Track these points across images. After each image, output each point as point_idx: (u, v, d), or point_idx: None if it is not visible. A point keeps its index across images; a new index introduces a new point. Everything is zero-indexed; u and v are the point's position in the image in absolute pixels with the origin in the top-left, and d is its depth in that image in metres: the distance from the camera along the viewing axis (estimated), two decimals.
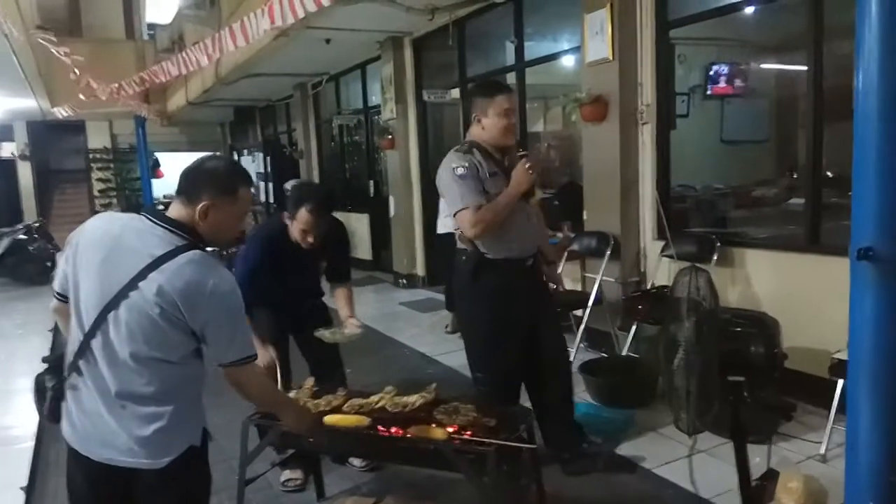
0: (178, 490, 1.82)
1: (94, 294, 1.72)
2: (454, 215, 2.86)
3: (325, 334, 3.07)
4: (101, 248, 1.74)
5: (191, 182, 1.81)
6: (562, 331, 3.32)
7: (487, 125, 2.88)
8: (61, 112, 10.61)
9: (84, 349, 1.74)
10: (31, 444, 3.85)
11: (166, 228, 1.74)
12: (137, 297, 1.67)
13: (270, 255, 3.05)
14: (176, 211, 1.79)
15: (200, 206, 1.76)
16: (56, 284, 1.86)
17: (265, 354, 2.89)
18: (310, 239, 2.96)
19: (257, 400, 2.04)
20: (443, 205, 5.54)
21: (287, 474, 3.18)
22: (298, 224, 2.94)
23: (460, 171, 2.81)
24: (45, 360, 1.92)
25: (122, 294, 1.68)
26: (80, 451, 1.79)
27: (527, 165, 2.85)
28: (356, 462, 3.27)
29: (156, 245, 1.71)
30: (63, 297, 1.83)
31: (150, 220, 1.77)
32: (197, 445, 1.84)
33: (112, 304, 1.69)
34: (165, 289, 1.66)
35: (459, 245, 3.01)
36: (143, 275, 1.67)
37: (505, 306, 2.93)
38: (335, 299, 3.29)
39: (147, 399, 1.74)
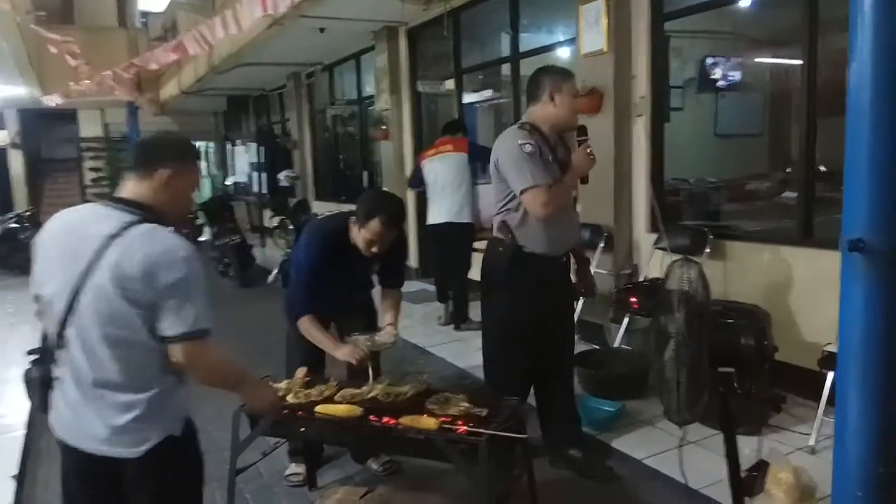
0: (158, 481, 1.80)
1: (60, 286, 1.73)
2: (521, 193, 2.76)
3: (358, 340, 2.93)
4: (61, 240, 1.76)
5: (148, 153, 1.82)
6: (574, 330, 3.31)
7: (561, 102, 2.83)
8: (50, 101, 10.53)
9: (60, 341, 1.76)
10: (22, 432, 3.84)
11: (118, 208, 1.76)
12: (97, 279, 1.68)
13: (328, 250, 2.94)
14: (128, 190, 1.80)
15: (162, 173, 1.77)
16: (32, 288, 1.86)
17: (348, 351, 2.84)
18: (374, 249, 2.84)
19: (211, 379, 1.88)
20: (435, 195, 5.57)
21: (292, 468, 3.18)
22: (367, 233, 2.80)
23: (528, 147, 2.74)
24: (30, 352, 1.92)
25: (84, 279, 1.69)
26: (67, 442, 1.80)
27: (588, 150, 2.82)
28: (374, 465, 3.23)
29: (109, 225, 1.71)
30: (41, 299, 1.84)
31: (104, 204, 1.79)
32: (177, 435, 1.81)
33: (77, 292, 1.70)
34: (121, 264, 1.66)
35: (496, 234, 2.94)
36: (98, 256, 1.68)
37: (535, 301, 2.88)
38: (381, 304, 3.18)
39: (123, 387, 1.74)
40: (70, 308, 1.71)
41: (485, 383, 3.18)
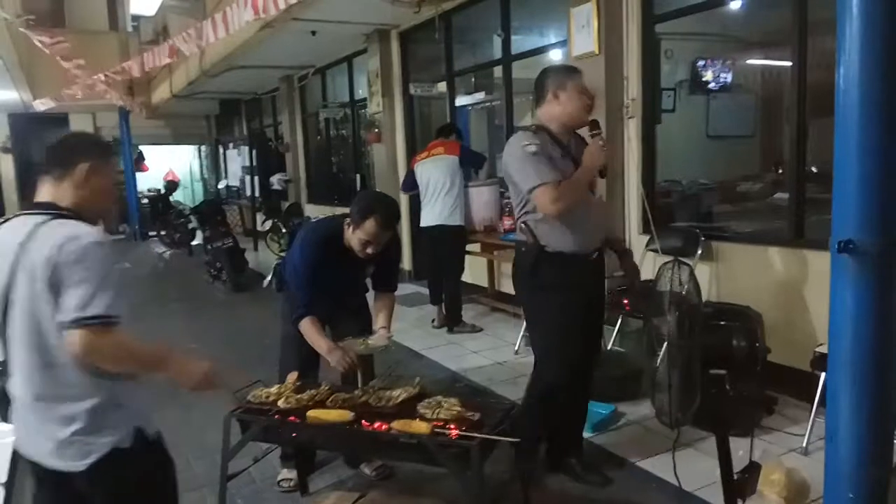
0: (107, 496, 1.75)
1: None
2: (529, 192, 2.74)
3: (351, 344, 2.93)
4: None
5: (66, 150, 1.78)
6: (602, 333, 3.27)
7: (565, 100, 2.80)
8: (41, 105, 10.48)
9: (6, 356, 1.75)
10: (11, 440, 3.79)
11: (30, 214, 1.72)
12: (19, 290, 1.65)
13: (323, 253, 2.94)
14: (45, 192, 1.76)
15: (82, 168, 1.74)
16: None
17: (338, 358, 2.85)
18: (369, 250, 2.85)
19: (120, 364, 1.70)
20: (427, 198, 5.57)
21: (284, 473, 3.15)
22: (362, 234, 2.80)
23: (532, 148, 2.72)
24: None
25: (8, 291, 1.67)
26: (27, 455, 1.80)
27: (601, 143, 2.77)
28: (367, 469, 3.20)
29: (22, 232, 1.68)
30: None
31: (23, 212, 1.76)
32: (125, 447, 1.73)
33: (6, 306, 1.68)
34: (33, 269, 1.63)
35: (519, 236, 2.92)
36: (14, 267, 1.65)
37: (565, 300, 2.81)
38: (375, 307, 3.17)
39: (60, 398, 1.70)
40: (4, 324, 1.69)
41: (524, 403, 3.02)
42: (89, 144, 1.82)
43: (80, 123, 15.74)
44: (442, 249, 5.62)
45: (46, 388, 1.70)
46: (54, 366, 1.68)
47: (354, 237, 2.84)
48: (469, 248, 5.89)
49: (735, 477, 2.16)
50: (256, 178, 12.15)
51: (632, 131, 4.61)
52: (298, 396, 2.59)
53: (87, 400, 1.70)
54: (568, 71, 2.91)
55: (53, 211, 1.71)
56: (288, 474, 3.14)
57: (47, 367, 1.68)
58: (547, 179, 2.69)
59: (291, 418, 2.49)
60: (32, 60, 10.48)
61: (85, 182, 1.75)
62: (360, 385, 2.72)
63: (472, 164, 5.73)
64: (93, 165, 1.75)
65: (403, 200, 7.72)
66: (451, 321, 5.65)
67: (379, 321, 3.08)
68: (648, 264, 4.46)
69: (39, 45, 8.23)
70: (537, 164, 2.71)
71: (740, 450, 2.27)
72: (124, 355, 1.69)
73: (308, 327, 2.91)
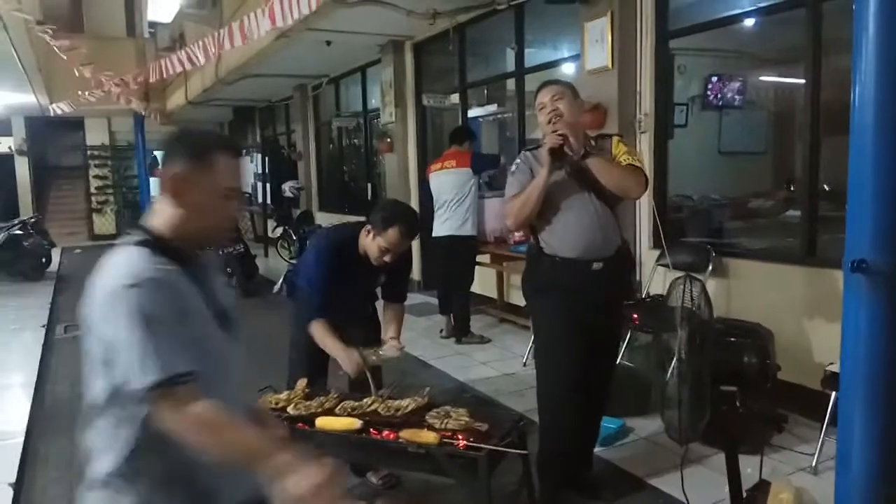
0: None
1: None
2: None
3: (363, 354, 2.91)
4: None
5: (165, 153, 1.39)
6: (617, 351, 3.27)
7: (539, 125, 2.86)
8: (58, 108, 10.60)
9: None
10: (20, 439, 3.83)
11: (127, 233, 1.38)
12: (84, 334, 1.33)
13: (337, 258, 2.95)
14: (153, 215, 1.39)
15: (174, 178, 1.32)
16: None
17: (351, 363, 2.85)
18: (387, 259, 2.87)
19: (207, 443, 1.26)
20: (439, 209, 5.59)
21: None
22: (383, 241, 2.82)
23: (513, 167, 2.84)
24: None
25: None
26: None
27: (547, 146, 2.65)
28: (373, 478, 3.17)
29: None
30: None
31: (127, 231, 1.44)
32: None
33: None
34: (86, 310, 1.29)
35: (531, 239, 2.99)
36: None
37: (563, 306, 2.77)
38: (385, 317, 3.19)
39: (99, 482, 1.31)
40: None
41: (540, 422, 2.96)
42: (180, 146, 1.36)
43: (95, 127, 15.93)
44: (452, 260, 5.63)
45: (93, 461, 1.34)
46: (107, 434, 1.31)
47: (374, 244, 2.86)
48: (479, 258, 5.90)
49: (744, 495, 2.15)
50: (268, 185, 12.21)
51: (644, 146, 4.62)
52: (307, 403, 2.61)
53: (105, 457, 1.30)
54: (535, 96, 2.88)
55: (140, 236, 1.33)
56: None
57: (102, 436, 1.32)
58: (506, 196, 2.82)
59: (300, 425, 2.50)
60: (50, 64, 10.61)
61: (175, 194, 1.33)
62: (373, 391, 2.73)
63: (484, 168, 5.75)
64: (182, 174, 1.32)
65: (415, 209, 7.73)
66: (460, 332, 5.65)
67: (389, 331, 3.09)
68: (659, 279, 4.46)
69: (57, 50, 8.34)
70: (510, 183, 2.84)
71: (749, 467, 2.26)
72: (208, 436, 1.25)
73: (320, 330, 2.92)
